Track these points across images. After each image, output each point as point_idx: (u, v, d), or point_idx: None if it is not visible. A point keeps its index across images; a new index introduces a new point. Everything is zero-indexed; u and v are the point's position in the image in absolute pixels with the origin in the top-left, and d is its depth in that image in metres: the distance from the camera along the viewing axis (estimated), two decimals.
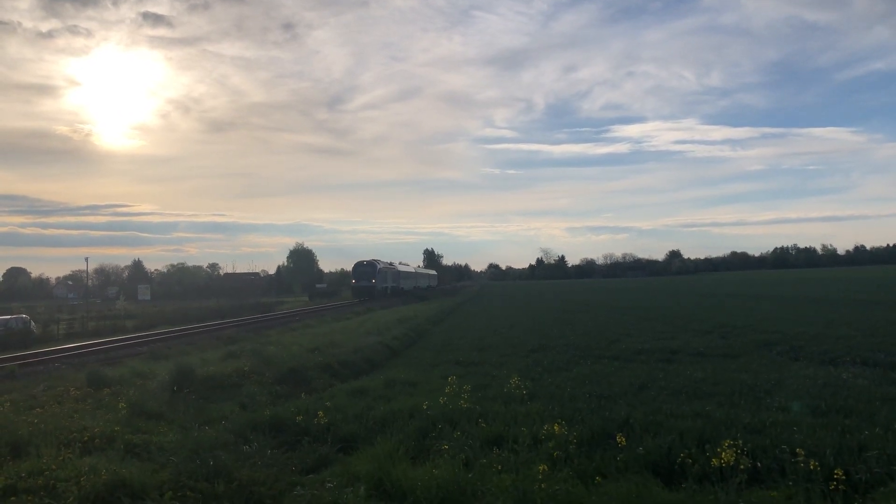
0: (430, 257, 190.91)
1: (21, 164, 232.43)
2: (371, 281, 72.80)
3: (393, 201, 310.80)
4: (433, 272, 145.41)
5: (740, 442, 7.08)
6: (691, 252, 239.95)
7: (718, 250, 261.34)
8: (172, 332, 35.36)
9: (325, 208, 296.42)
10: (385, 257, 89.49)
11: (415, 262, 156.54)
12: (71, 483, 7.41)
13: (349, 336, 25.86)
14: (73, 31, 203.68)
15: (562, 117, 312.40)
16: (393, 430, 9.94)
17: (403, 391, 13.63)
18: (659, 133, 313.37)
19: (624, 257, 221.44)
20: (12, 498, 7.10)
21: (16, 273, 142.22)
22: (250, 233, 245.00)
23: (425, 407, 10.71)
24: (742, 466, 6.61)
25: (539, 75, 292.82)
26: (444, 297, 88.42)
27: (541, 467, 6.99)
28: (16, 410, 11.80)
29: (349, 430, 10.25)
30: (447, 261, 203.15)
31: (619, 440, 8.07)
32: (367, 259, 78.04)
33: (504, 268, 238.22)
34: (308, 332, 30.00)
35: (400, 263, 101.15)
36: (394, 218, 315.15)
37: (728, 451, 6.68)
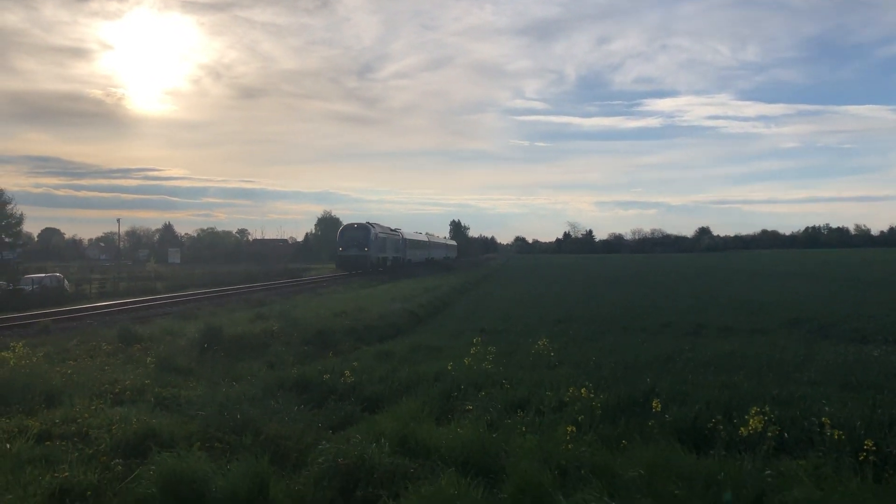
0: (457, 229, 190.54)
1: (55, 127, 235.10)
2: (363, 250, 58.22)
3: (420, 172, 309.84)
4: (453, 242, 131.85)
5: (768, 409, 7.02)
6: (721, 229, 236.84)
7: (749, 228, 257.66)
8: (201, 294, 35.82)
9: (353, 177, 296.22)
10: (411, 228, 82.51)
11: (442, 233, 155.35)
12: (103, 430, 7.58)
13: (375, 302, 25.99)
14: None
15: (593, 90, 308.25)
16: (418, 391, 10.00)
17: (428, 355, 13.69)
18: (691, 108, 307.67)
19: (652, 233, 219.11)
20: (47, 442, 7.27)
21: (50, 233, 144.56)
22: (278, 200, 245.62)
23: (450, 368, 10.75)
24: (770, 434, 6.55)
25: (571, 46, 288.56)
26: (464, 270, 78.29)
27: (568, 429, 6.99)
28: (50, 362, 12.05)
29: (374, 391, 10.33)
30: (473, 233, 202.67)
31: (653, 406, 8.02)
32: (359, 222, 62.52)
33: (531, 241, 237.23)
34: (335, 298, 30.22)
35: (415, 233, 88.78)
36: (421, 188, 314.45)
37: (756, 418, 6.62)
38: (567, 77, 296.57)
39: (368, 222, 61.87)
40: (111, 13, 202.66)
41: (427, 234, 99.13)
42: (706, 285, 39.80)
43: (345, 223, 63.80)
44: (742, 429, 6.99)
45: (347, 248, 59.62)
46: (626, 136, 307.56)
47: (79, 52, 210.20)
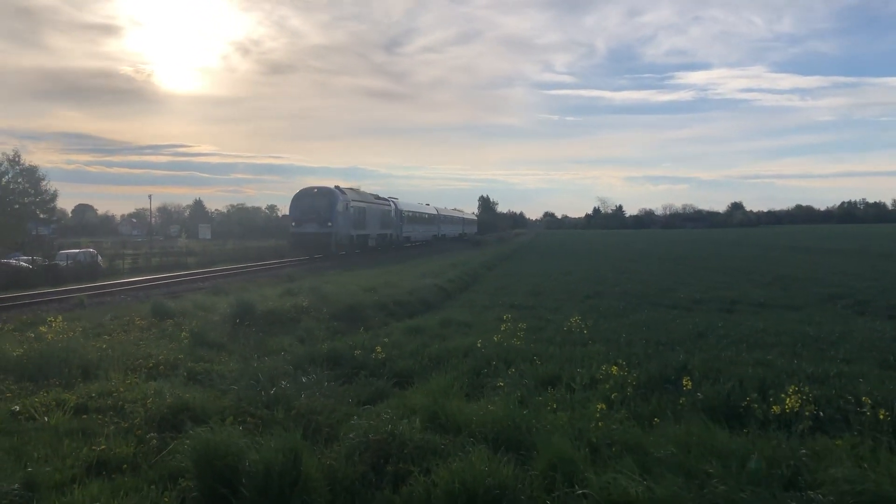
0: (485, 204, 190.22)
1: (87, 104, 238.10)
2: (326, 225, 43.38)
3: (449, 147, 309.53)
4: (471, 216, 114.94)
5: (806, 389, 6.90)
6: (754, 204, 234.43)
7: (782, 203, 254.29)
8: (232, 269, 36.20)
9: (381, 152, 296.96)
10: (439, 203, 77.12)
11: (470, 208, 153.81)
12: (137, 404, 7.69)
13: (404, 278, 26.05)
14: None
15: (624, 63, 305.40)
16: (448, 366, 10.00)
17: (458, 331, 13.69)
18: (724, 81, 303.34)
19: (684, 208, 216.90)
20: (83, 416, 7.40)
21: (83, 209, 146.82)
22: (307, 175, 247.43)
23: (480, 345, 10.74)
24: (807, 413, 6.45)
25: (602, 19, 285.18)
26: (489, 247, 69.04)
27: (599, 406, 6.95)
28: (85, 336, 12.25)
29: (405, 366, 10.35)
30: (502, 208, 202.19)
31: (684, 383, 7.94)
32: (321, 186, 46.93)
33: (560, 216, 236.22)
34: (364, 273, 30.34)
35: (418, 204, 75.06)
36: (449, 164, 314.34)
37: (793, 397, 6.51)
38: (597, 50, 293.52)
39: (337, 186, 46.92)
40: None
41: (436, 207, 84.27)
42: (739, 261, 39.30)
43: (301, 188, 46.84)
44: (775, 407, 6.90)
45: (302, 222, 44.41)
46: (657, 110, 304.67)
47: (109, 29, 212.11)
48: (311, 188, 46.26)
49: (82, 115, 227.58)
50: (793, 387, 6.93)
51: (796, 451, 5.85)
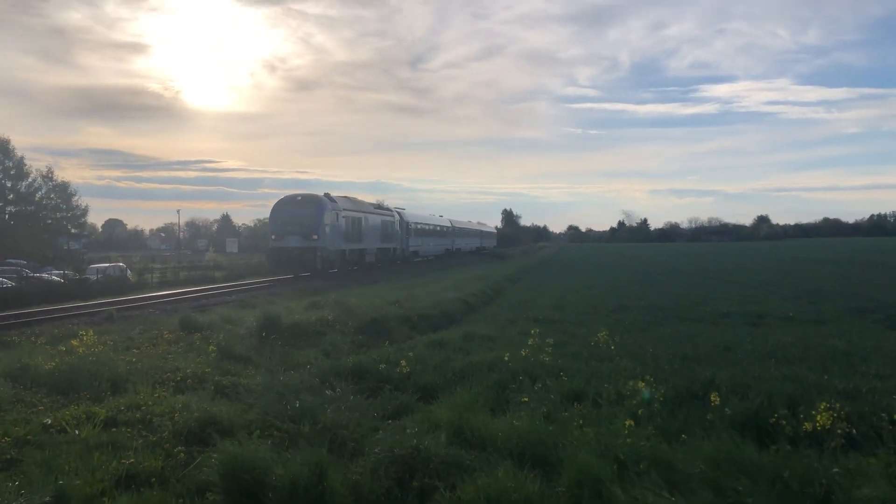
0: (508, 217, 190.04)
1: (117, 121, 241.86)
2: (310, 238, 37.37)
3: (472, 160, 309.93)
4: (491, 229, 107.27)
5: (838, 405, 6.79)
6: (781, 217, 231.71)
7: (810, 216, 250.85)
8: (259, 282, 36.45)
9: (405, 167, 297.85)
10: (463, 216, 75.45)
11: (493, 221, 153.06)
12: (165, 418, 7.76)
13: (428, 291, 26.07)
14: None
15: (648, 76, 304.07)
16: (472, 381, 9.98)
17: (482, 345, 13.67)
18: (749, 93, 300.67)
19: (709, 221, 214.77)
20: (113, 429, 7.49)
21: (113, 224, 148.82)
22: (332, 190, 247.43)
23: (506, 359, 10.71)
24: (839, 431, 6.35)
25: (625, 32, 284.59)
26: (512, 260, 67.47)
27: (626, 422, 6.89)
28: (115, 350, 12.40)
29: (429, 380, 10.34)
30: (525, 221, 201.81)
31: (712, 399, 7.85)
32: (305, 193, 40.87)
33: (584, 230, 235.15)
34: (388, 287, 30.41)
35: (429, 215, 69.77)
36: (472, 177, 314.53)
37: (824, 413, 6.41)
38: (621, 63, 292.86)
39: (327, 194, 40.47)
40: (169, 8, 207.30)
41: (451, 219, 77.66)
42: (765, 274, 38.86)
43: (283, 196, 41.04)
44: (807, 424, 6.79)
45: (283, 235, 38.24)
46: (681, 123, 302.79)
47: (139, 48, 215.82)
48: (295, 196, 40.22)
49: (112, 132, 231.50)
50: (823, 403, 6.82)
51: (828, 469, 5.75)
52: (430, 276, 39.21)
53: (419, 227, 61.46)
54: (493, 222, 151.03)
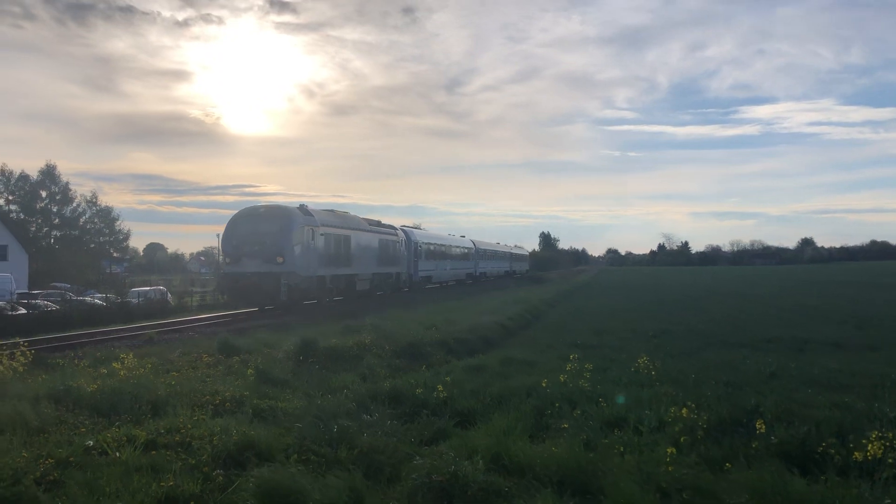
0: (546, 241, 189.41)
1: (159, 146, 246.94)
2: (275, 261, 29.31)
3: (509, 183, 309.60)
4: (522, 251, 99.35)
5: (890, 435, 6.56)
6: (825, 240, 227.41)
7: (855, 238, 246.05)
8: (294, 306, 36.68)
9: (441, 190, 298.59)
10: (500, 240, 64.17)
11: (531, 244, 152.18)
12: (205, 441, 7.79)
13: (465, 315, 25.98)
14: (207, 19, 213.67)
15: (687, 97, 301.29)
16: (510, 406, 9.88)
17: (520, 370, 13.54)
18: (791, 114, 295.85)
19: (752, 244, 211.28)
20: (153, 452, 7.53)
21: (154, 248, 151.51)
22: (369, 213, 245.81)
23: (545, 385, 10.58)
24: (890, 461, 6.12)
25: (663, 54, 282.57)
26: (550, 284, 62.18)
27: (669, 450, 6.74)
28: (155, 373, 12.54)
29: (466, 405, 10.26)
30: (563, 244, 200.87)
31: (758, 426, 7.65)
32: (270, 204, 33.03)
33: (623, 253, 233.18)
34: (424, 310, 30.38)
35: (448, 235, 62.46)
36: (509, 200, 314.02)
37: (876, 443, 6.20)
38: (659, 85, 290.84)
39: (303, 206, 32.04)
40: (210, 36, 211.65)
41: (473, 240, 68.85)
42: (811, 298, 38.02)
43: (243, 208, 32.23)
44: (857, 453, 6.57)
45: (239, 257, 29.86)
46: (721, 145, 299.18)
47: (181, 75, 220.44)
48: (257, 207, 31.66)
49: (155, 157, 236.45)
50: (875, 432, 6.59)
51: (880, 501, 5.56)
52: (440, 306, 32.01)
53: (432, 247, 53.13)
54: (531, 245, 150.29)
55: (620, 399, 9.37)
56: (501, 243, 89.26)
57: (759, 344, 17.88)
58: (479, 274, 69.30)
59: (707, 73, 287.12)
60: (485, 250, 71.62)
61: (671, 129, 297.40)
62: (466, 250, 65.49)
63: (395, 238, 44.41)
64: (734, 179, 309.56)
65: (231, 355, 14.95)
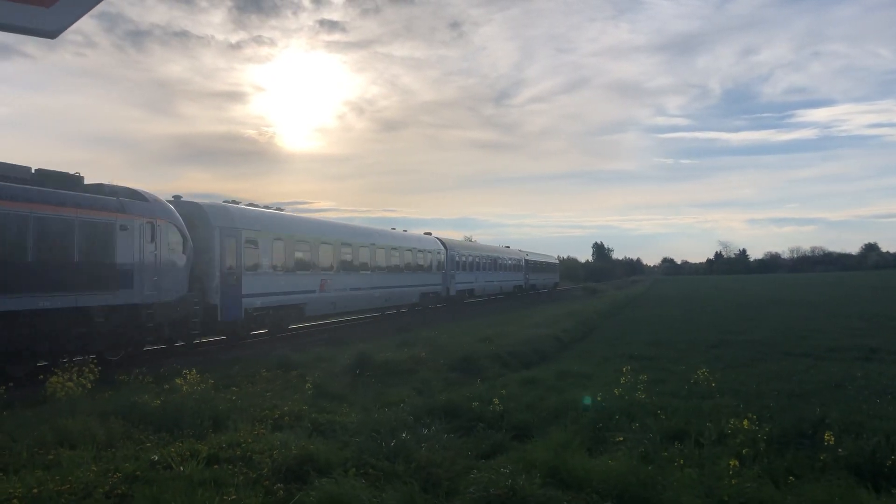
0: (600, 251, 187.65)
1: (215, 166, 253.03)
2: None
3: (560, 194, 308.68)
4: (551, 259, 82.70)
5: None
6: (890, 245, 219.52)
7: None
8: (351, 321, 37.05)
9: (492, 202, 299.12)
10: (552, 251, 63.72)
11: (584, 255, 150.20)
12: (265, 455, 7.93)
13: (518, 327, 25.86)
14: (259, 41, 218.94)
15: (740, 103, 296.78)
16: (567, 420, 9.80)
17: (576, 383, 13.42)
18: (850, 117, 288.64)
19: (812, 251, 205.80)
20: (215, 466, 7.70)
21: None
22: (420, 227, 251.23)
23: (600, 398, 10.48)
24: None
25: (715, 60, 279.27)
26: (601, 295, 57.33)
27: (730, 462, 6.61)
28: (215, 388, 12.81)
29: (522, 419, 10.21)
30: (617, 255, 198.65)
31: (826, 438, 7.45)
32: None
33: (679, 262, 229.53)
34: (477, 323, 30.37)
35: (465, 242, 57.16)
36: (560, 211, 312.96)
37: None
38: (711, 91, 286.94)
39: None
40: (263, 57, 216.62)
41: (484, 244, 61.78)
42: (877, 306, 36.76)
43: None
44: None
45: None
46: (778, 150, 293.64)
47: (235, 96, 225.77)
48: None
49: (211, 176, 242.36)
50: None
51: None
52: (490, 319, 29.43)
53: (473, 259, 48.51)
54: (585, 256, 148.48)
55: (587, 400, 8.69)
56: (546, 254, 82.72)
57: (823, 353, 17.38)
58: (529, 286, 66.12)
59: (760, 78, 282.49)
60: (488, 257, 56.58)
61: (725, 136, 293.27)
62: (515, 261, 62.18)
63: (425, 248, 40.83)
64: (792, 185, 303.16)
65: (289, 370, 15.18)
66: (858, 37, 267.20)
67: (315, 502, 6.17)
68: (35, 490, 6.65)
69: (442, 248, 43.97)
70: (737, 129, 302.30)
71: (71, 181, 16.91)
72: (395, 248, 36.75)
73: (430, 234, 46.25)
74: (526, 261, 64.97)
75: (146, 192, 19.11)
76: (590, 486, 6.68)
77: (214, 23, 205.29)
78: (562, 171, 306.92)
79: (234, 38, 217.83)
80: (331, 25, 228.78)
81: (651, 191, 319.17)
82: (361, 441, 8.55)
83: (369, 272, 33.25)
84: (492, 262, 54.92)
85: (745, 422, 7.84)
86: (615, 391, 10.82)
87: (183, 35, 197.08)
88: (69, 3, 2.90)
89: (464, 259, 47.37)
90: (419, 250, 39.98)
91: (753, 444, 7.65)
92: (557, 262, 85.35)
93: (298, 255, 26.82)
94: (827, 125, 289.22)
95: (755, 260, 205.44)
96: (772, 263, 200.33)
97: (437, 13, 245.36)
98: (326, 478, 6.78)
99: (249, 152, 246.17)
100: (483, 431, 9.46)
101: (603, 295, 65.48)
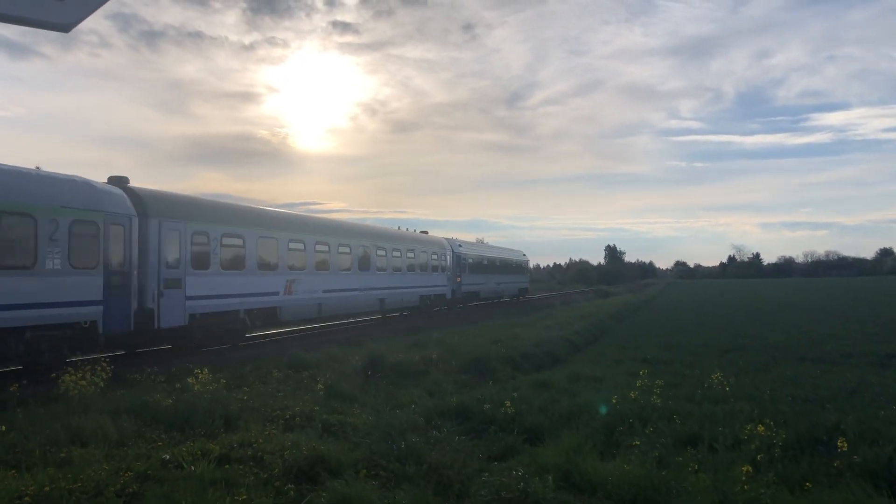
0: (612, 254, 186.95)
1: (228, 166, 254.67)
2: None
3: (572, 197, 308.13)
4: (521, 256, 63.97)
5: None
6: None
7: None
8: (363, 321, 37.06)
9: (504, 204, 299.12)
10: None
11: (596, 258, 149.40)
12: (276, 455, 7.92)
13: (530, 330, 25.79)
14: (272, 42, 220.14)
15: (754, 106, 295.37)
16: (579, 423, 9.75)
17: (588, 386, 13.36)
18: (865, 120, 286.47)
19: (827, 255, 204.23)
20: (226, 465, 7.70)
21: None
22: (431, 229, 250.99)
23: (614, 401, 10.41)
24: None
25: (728, 63, 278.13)
26: (606, 300, 53.21)
27: (744, 468, 6.54)
28: (227, 388, 12.83)
29: (534, 422, 10.15)
30: (630, 258, 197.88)
31: (840, 444, 7.37)
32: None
33: (692, 265, 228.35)
34: (489, 325, 30.30)
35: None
36: (572, 213, 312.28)
37: None
38: (725, 94, 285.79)
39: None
40: (276, 59, 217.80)
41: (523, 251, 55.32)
42: (892, 311, 36.41)
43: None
44: None
45: None
46: (792, 154, 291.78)
47: (248, 97, 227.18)
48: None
49: (224, 176, 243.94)
50: None
51: None
52: (503, 322, 30.18)
53: (479, 260, 44.37)
54: (597, 258, 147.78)
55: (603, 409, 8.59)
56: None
57: (839, 359, 17.22)
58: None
59: (774, 81, 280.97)
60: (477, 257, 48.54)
61: (738, 139, 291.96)
62: (521, 264, 59.32)
63: (427, 249, 37.98)
64: (806, 189, 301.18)
65: (301, 370, 15.18)
66: (874, 40, 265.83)
67: (326, 503, 6.14)
68: (47, 488, 6.67)
69: (450, 249, 41.61)
70: (751, 133, 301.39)
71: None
72: (383, 247, 33.65)
73: (426, 232, 43.25)
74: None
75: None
76: (603, 489, 6.63)
77: (228, 24, 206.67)
78: (574, 174, 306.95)
79: (247, 40, 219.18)
80: (344, 27, 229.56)
81: (664, 194, 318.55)
82: (373, 442, 8.53)
83: (348, 272, 30.32)
84: (504, 265, 52.70)
85: (761, 427, 7.77)
86: (631, 395, 10.75)
87: (197, 36, 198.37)
88: None
89: (470, 261, 44.65)
90: (419, 250, 37.32)
91: (768, 449, 7.58)
92: (525, 258, 67.43)
93: (262, 252, 24.01)
94: (842, 129, 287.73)
95: (769, 264, 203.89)
96: (786, 268, 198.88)
97: (450, 15, 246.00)
98: (337, 479, 6.77)
99: (262, 153, 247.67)
100: (495, 434, 9.41)
101: (615, 298, 65.02)
